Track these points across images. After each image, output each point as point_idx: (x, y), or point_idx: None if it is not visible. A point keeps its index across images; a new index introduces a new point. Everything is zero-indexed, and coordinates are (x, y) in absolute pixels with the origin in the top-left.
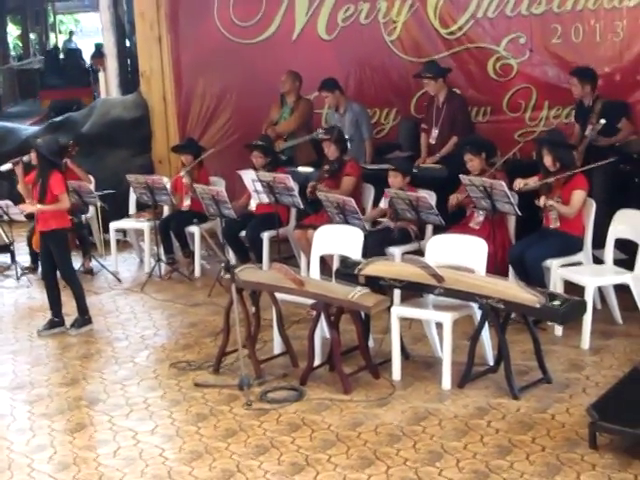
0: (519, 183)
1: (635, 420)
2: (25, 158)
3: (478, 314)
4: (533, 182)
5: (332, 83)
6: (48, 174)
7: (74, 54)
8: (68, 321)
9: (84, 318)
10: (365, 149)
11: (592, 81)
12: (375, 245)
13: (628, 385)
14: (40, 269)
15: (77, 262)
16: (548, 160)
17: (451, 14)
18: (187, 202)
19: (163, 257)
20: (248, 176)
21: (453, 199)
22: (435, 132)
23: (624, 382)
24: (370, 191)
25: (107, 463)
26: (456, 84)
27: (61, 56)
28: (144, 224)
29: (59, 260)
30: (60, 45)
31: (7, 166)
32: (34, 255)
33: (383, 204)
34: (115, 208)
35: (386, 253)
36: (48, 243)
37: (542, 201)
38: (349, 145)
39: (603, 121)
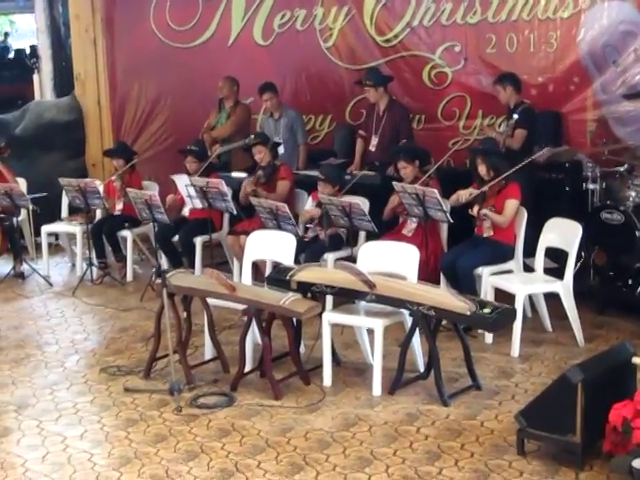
0: (463, 194)
1: (563, 427)
2: None
3: (409, 321)
4: (469, 194)
5: (272, 86)
6: None
7: (20, 53)
8: (1, 325)
9: None
10: (299, 155)
11: (512, 83)
12: (309, 258)
13: (556, 392)
14: None
15: (8, 265)
16: (482, 169)
17: (387, 22)
18: (119, 206)
19: (95, 261)
20: (181, 181)
21: (394, 200)
22: (375, 140)
23: (552, 389)
24: (303, 196)
25: (35, 468)
26: (392, 91)
27: (11, 55)
28: (76, 228)
29: None
30: None
31: None
32: None
33: (309, 207)
34: (47, 211)
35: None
36: None
37: (476, 210)
38: (282, 150)
39: (516, 116)
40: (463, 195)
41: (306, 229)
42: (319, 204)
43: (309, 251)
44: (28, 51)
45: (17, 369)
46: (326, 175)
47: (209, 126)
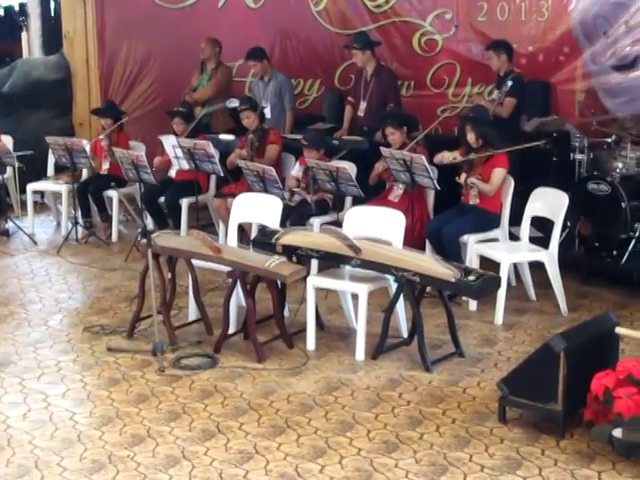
0: (448, 156)
1: (544, 395)
2: None
3: (394, 287)
4: (453, 157)
5: (259, 52)
6: None
7: (9, 11)
8: None
9: None
10: (285, 119)
11: (506, 50)
12: (295, 221)
13: (538, 361)
14: None
15: None
16: (471, 137)
17: None
18: (106, 166)
19: (80, 220)
20: (169, 141)
21: (380, 166)
22: (363, 105)
23: (535, 358)
24: (290, 160)
25: (16, 425)
26: (381, 57)
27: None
28: (62, 187)
29: None
30: None
31: None
32: None
33: (295, 172)
34: (33, 170)
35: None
36: None
37: (463, 178)
38: (269, 114)
39: (510, 82)
40: (448, 157)
41: (292, 193)
42: (306, 168)
43: (295, 215)
44: (17, 9)
45: (0, 327)
46: (309, 140)
47: (191, 88)
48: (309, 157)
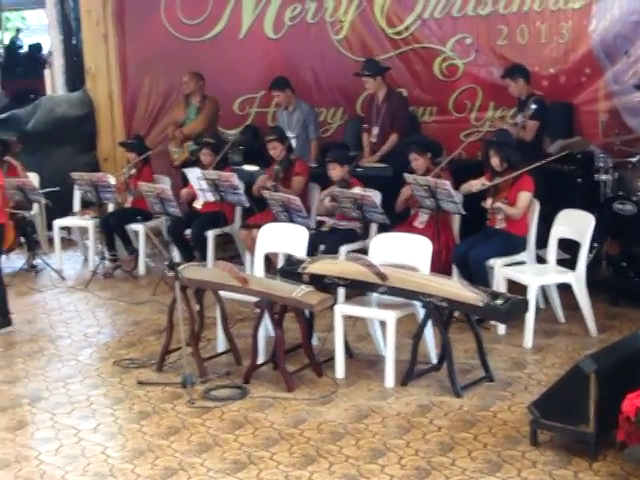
0: (476, 184)
1: (576, 418)
2: None
3: (421, 313)
4: (481, 184)
5: (283, 82)
6: None
7: (34, 48)
8: (15, 319)
9: (4, 319)
10: (310, 149)
11: (522, 74)
12: (329, 249)
13: (569, 383)
14: None
15: (21, 260)
16: (495, 161)
17: (398, 14)
18: (129, 199)
19: (106, 254)
20: (193, 174)
21: (406, 191)
22: (376, 130)
23: (565, 380)
24: (316, 190)
25: (49, 461)
26: (402, 84)
27: (24, 49)
28: (88, 222)
29: None
30: (6, 42)
31: None
32: None
33: (322, 197)
34: (59, 206)
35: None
36: None
37: (489, 202)
38: (294, 144)
39: (534, 106)
40: (475, 185)
41: (319, 223)
42: (333, 198)
43: (328, 242)
44: (43, 47)
45: (31, 362)
46: (333, 156)
47: (176, 122)
48: (334, 174)
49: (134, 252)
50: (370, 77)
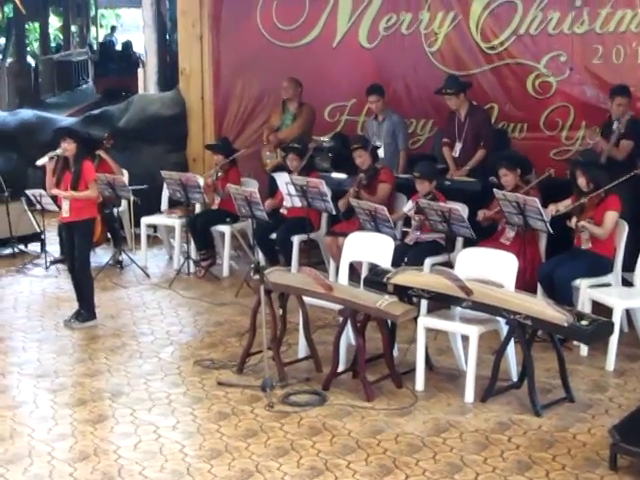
0: (552, 210)
1: None
2: (59, 151)
3: (504, 329)
4: (564, 207)
5: (380, 88)
6: (82, 162)
7: (127, 46)
8: (98, 313)
9: (89, 313)
10: (399, 160)
11: (629, 95)
12: (412, 261)
13: None
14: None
15: (107, 255)
16: (582, 181)
17: (493, 29)
18: (217, 200)
19: (193, 255)
20: (282, 179)
21: (481, 214)
22: (459, 146)
23: None
24: (402, 200)
25: (127, 456)
26: (494, 99)
27: (118, 47)
28: (175, 221)
29: (80, 250)
30: (100, 39)
31: (44, 160)
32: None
33: (407, 209)
34: (147, 203)
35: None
36: (74, 233)
37: (574, 222)
38: (382, 154)
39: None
40: (562, 205)
41: (404, 234)
42: (418, 209)
43: (412, 254)
44: (133, 45)
45: (113, 357)
46: (421, 172)
47: (272, 127)
48: (421, 189)
49: (213, 255)
50: (453, 95)
